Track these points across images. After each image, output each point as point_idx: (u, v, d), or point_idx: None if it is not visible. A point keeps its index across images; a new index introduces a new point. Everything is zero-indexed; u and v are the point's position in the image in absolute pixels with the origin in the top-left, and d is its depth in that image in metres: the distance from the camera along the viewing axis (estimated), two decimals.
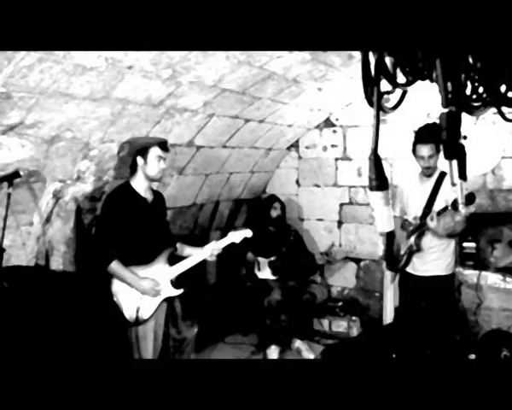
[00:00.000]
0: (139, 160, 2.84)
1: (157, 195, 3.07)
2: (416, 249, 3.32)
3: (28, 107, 2.33)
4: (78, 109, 2.59)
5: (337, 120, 4.85)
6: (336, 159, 4.91)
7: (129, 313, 2.81)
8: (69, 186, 3.04)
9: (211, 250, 3.06)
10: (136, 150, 2.87)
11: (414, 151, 3.25)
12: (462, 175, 0.95)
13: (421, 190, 3.30)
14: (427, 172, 3.28)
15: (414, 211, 3.35)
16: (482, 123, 3.79)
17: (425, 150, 3.19)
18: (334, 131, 4.88)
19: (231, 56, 2.76)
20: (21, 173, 2.57)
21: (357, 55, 3.28)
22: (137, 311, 2.81)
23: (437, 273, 3.30)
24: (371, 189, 1.05)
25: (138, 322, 2.82)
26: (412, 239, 3.31)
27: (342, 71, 3.60)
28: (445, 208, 3.04)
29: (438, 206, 3.19)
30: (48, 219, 3.03)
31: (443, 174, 3.26)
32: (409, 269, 3.43)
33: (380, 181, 1.03)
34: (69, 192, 3.07)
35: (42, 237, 3.04)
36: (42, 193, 2.89)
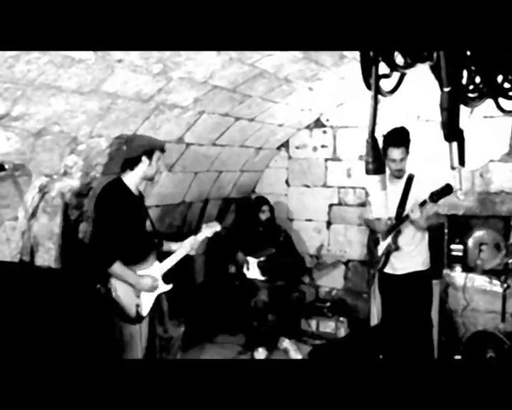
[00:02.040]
0: (145, 159, 2.82)
1: (140, 193, 3.07)
2: (394, 248, 3.42)
3: (14, 98, 2.28)
4: (66, 103, 2.54)
5: (327, 120, 4.86)
6: (326, 159, 4.92)
7: (130, 311, 2.79)
8: (56, 181, 2.98)
9: (190, 245, 3.12)
10: (143, 149, 2.83)
11: (385, 155, 3.31)
12: (461, 160, 0.94)
13: (393, 192, 3.36)
14: (398, 174, 3.39)
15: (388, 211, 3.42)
16: (476, 118, 3.86)
17: (397, 153, 3.29)
18: (325, 132, 4.88)
19: (222, 53, 2.74)
20: (6, 167, 2.52)
21: (349, 54, 3.28)
22: (137, 308, 2.80)
23: (416, 269, 3.43)
24: (368, 172, 1.02)
25: (138, 319, 2.81)
26: (389, 239, 3.42)
27: (333, 71, 3.60)
28: (424, 202, 3.14)
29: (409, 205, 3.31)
30: (33, 215, 2.98)
31: (411, 176, 3.41)
32: (388, 270, 3.54)
33: (377, 164, 1.01)
34: (55, 187, 3.01)
35: (27, 233, 2.98)
36: (27, 187, 2.83)
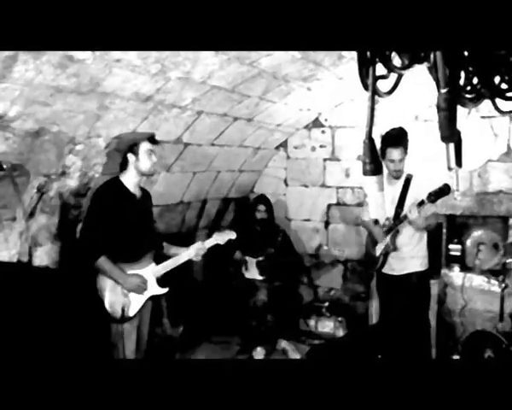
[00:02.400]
0: (130, 156, 2.83)
1: (144, 192, 3.05)
2: (392, 249, 3.42)
3: (12, 98, 2.28)
4: (64, 102, 2.54)
5: (326, 120, 4.86)
6: (324, 159, 4.92)
7: (114, 310, 2.77)
8: (54, 181, 2.98)
9: (196, 250, 3.05)
10: (126, 146, 2.85)
11: (383, 155, 3.30)
12: (458, 161, 0.94)
13: (391, 192, 3.36)
14: (396, 174, 3.39)
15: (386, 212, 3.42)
16: (474, 118, 3.87)
17: (396, 154, 3.29)
18: (323, 132, 4.88)
19: (221, 53, 2.73)
20: (4, 167, 2.51)
21: (348, 54, 3.28)
22: (123, 308, 2.77)
23: (414, 270, 3.43)
24: (365, 173, 1.03)
25: (123, 319, 2.78)
26: (388, 239, 3.40)
27: (332, 71, 3.60)
28: (422, 202, 3.14)
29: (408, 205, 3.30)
30: (31, 215, 2.97)
31: (409, 176, 3.41)
32: (386, 270, 3.53)
33: (374, 165, 1.01)
34: (54, 187, 3.01)
35: (25, 233, 2.98)
36: (25, 188, 2.83)
